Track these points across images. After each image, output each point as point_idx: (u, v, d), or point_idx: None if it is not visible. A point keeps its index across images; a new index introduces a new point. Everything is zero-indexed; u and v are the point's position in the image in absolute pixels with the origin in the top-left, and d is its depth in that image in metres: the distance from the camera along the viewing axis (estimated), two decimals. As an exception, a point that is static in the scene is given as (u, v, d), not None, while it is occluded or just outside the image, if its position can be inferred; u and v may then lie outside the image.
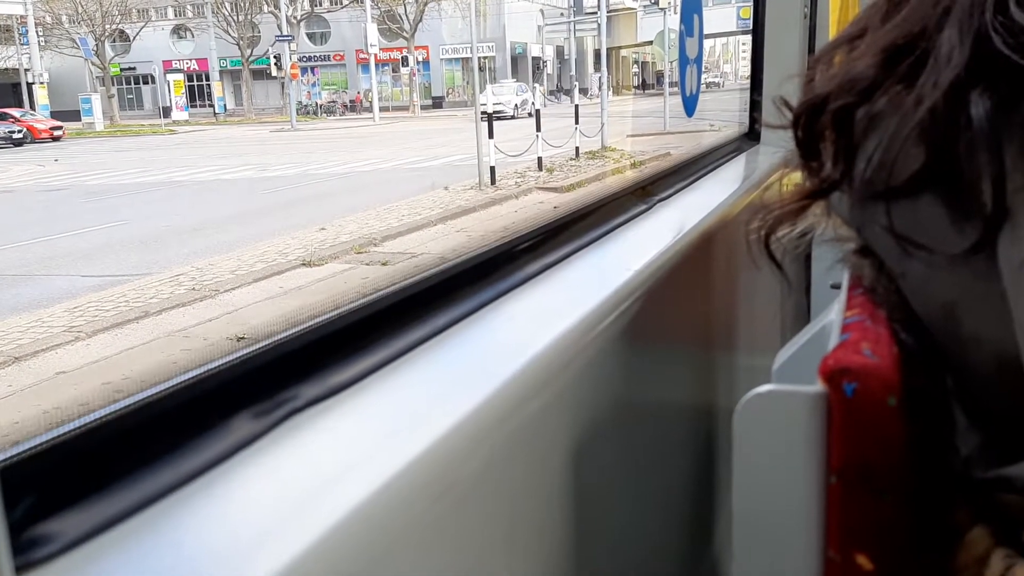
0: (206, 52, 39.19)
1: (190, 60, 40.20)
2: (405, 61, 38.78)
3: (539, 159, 14.72)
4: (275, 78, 36.50)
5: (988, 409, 0.64)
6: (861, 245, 0.68)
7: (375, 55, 35.11)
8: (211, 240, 9.79)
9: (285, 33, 33.74)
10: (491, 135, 13.15)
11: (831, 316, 0.77)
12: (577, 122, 16.29)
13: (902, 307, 0.66)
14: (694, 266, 1.20)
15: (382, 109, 37.68)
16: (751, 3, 2.16)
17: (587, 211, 1.20)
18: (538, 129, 14.66)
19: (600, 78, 19.95)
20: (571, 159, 15.95)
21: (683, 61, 1.99)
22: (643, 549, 0.96)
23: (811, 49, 2.22)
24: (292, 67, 31.51)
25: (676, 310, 1.16)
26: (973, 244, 0.55)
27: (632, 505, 0.93)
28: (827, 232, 0.71)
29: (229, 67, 40.34)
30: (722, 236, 1.32)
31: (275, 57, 34.49)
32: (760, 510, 0.65)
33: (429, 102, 42.91)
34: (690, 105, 2.03)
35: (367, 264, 8.27)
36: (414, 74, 39.03)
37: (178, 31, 40.66)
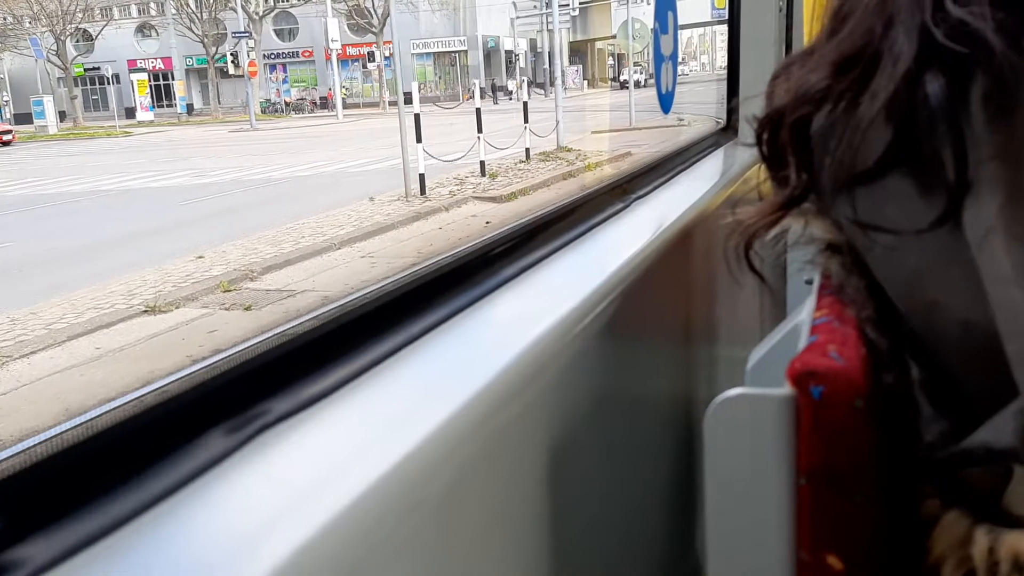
0: (172, 50, 38.47)
1: (155, 59, 39.42)
2: (371, 56, 38.12)
3: (481, 163, 13.43)
4: (234, 76, 35.77)
5: (952, 392, 0.66)
6: (829, 243, 0.70)
7: (337, 51, 34.38)
8: (70, 273, 8.27)
9: (243, 29, 33.40)
10: (419, 138, 11.90)
11: (803, 315, 0.77)
12: (527, 120, 15.07)
13: (870, 304, 0.67)
14: (672, 263, 1.21)
15: (354, 105, 37.04)
16: (727, -4, 2.16)
17: (564, 211, 1.20)
18: (479, 130, 13.35)
19: (557, 70, 18.95)
20: (520, 162, 14.59)
21: (658, 58, 1.99)
22: (623, 552, 0.96)
23: (787, 42, 2.23)
24: (250, 64, 30.79)
25: (655, 308, 1.17)
26: (939, 216, 0.59)
27: (611, 507, 0.94)
28: (801, 230, 0.72)
29: (196, 65, 39.50)
30: (700, 232, 1.33)
31: (232, 54, 33.64)
32: (732, 512, 0.65)
33: (401, 98, 42.62)
34: (666, 102, 2.03)
35: (228, 308, 6.88)
36: (381, 70, 38.37)
37: (142, 29, 39.79)
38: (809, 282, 0.86)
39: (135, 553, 0.43)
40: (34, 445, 0.46)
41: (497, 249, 0.97)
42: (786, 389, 0.60)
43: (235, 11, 34.74)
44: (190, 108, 40.49)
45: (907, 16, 0.60)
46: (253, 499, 0.50)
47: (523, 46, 43.01)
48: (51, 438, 0.47)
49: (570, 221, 1.17)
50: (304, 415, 0.57)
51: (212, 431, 0.53)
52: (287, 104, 39.85)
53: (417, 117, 12.52)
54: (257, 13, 37.22)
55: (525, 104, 15.86)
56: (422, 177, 11.88)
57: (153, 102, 37.98)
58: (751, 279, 0.80)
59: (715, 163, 1.93)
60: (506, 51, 42.18)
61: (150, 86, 37.51)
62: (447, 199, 11.67)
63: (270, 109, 37.89)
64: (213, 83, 38.18)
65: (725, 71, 2.22)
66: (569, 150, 15.90)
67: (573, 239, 1.11)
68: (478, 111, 13.77)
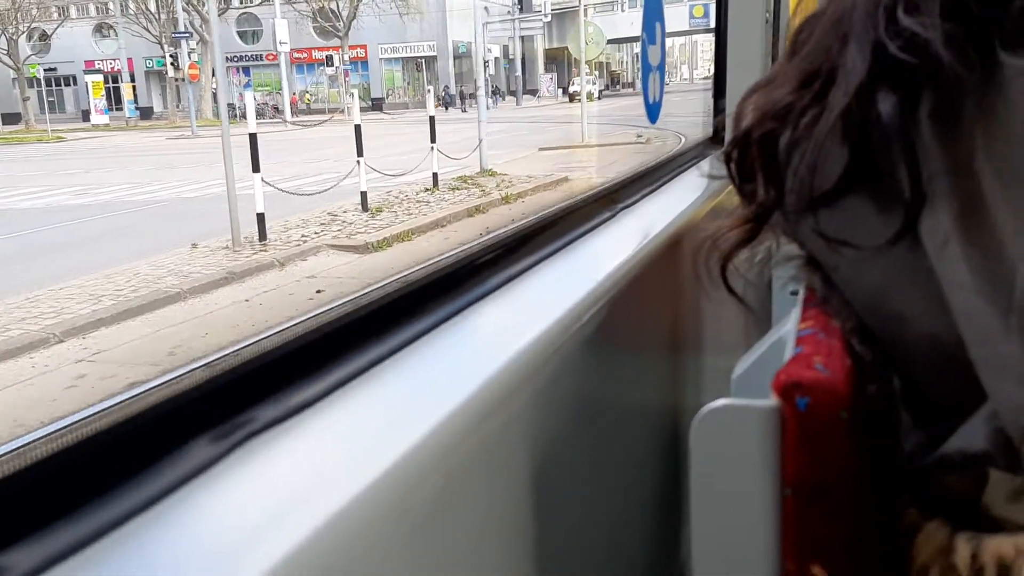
0: (131, 51, 37.19)
1: (114, 60, 38.04)
2: (330, 60, 37.27)
3: (363, 195, 10.89)
4: (174, 79, 34.39)
5: (928, 403, 0.67)
6: (809, 258, 0.71)
7: (287, 53, 33.10)
8: None
9: (183, 29, 31.11)
10: (256, 166, 9.39)
11: (788, 326, 0.78)
12: (433, 140, 12.43)
13: (854, 316, 0.68)
14: (659, 272, 1.21)
15: (319, 111, 35.82)
16: (710, 4, 2.18)
17: (551, 220, 1.20)
18: (359, 154, 10.93)
19: (478, 81, 16.18)
20: (425, 190, 12.33)
21: (645, 68, 2.00)
22: (609, 561, 0.96)
23: (774, 53, 2.24)
24: (190, 67, 28.88)
25: (641, 318, 1.17)
26: (897, 231, 0.60)
27: (597, 516, 0.94)
28: (783, 247, 0.73)
29: (156, 67, 38.19)
30: (687, 241, 1.33)
31: (171, 56, 31.99)
32: (718, 523, 0.65)
33: (368, 104, 40.48)
34: (653, 112, 2.05)
35: None
36: (347, 75, 37.57)
37: (100, 29, 38.38)
38: (794, 293, 0.86)
39: (118, 562, 0.43)
40: (17, 452, 0.46)
41: (483, 258, 0.97)
42: (771, 400, 0.61)
43: (188, 12, 33.26)
44: (148, 112, 39.04)
45: (861, 32, 0.62)
46: (239, 507, 0.49)
47: (495, 52, 42.18)
48: (34, 445, 0.47)
49: (557, 230, 1.18)
50: (290, 423, 0.57)
51: (197, 439, 0.52)
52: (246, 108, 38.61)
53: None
54: (209, 13, 36.06)
55: (431, 119, 12.74)
56: (260, 218, 9.22)
57: (111, 105, 36.68)
58: (739, 290, 0.81)
59: (701, 173, 1.93)
60: (495, 58, 41.63)
61: (108, 88, 36.23)
62: (291, 248, 9.00)
63: (229, 114, 36.77)
64: (171, 86, 37.05)
65: (704, 81, 2.23)
66: (493, 174, 13.77)
67: (560, 248, 1.11)
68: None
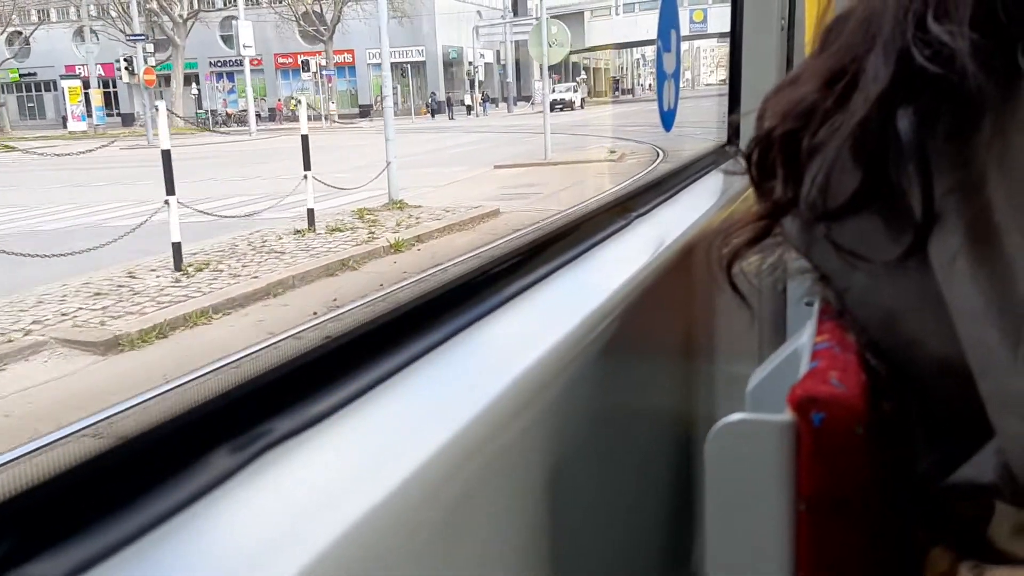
0: (113, 55, 35.18)
1: (96, 64, 36.68)
2: (306, 66, 36.20)
3: (174, 248, 7.73)
4: (130, 84, 32.74)
5: (942, 424, 0.66)
6: (822, 274, 0.71)
7: (251, 56, 31.39)
8: None
9: (139, 32, 29.41)
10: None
11: (803, 339, 0.78)
12: (308, 168, 9.72)
13: (867, 333, 0.68)
14: (673, 281, 1.21)
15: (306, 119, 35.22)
16: (708, 9, 2.18)
17: (566, 229, 1.21)
18: (169, 190, 7.80)
19: (387, 86, 13.16)
20: (296, 232, 9.42)
21: (660, 76, 2.00)
22: (623, 570, 0.96)
23: (789, 59, 2.24)
24: (146, 72, 27.47)
25: (656, 327, 1.17)
26: (906, 249, 0.60)
27: (611, 527, 0.94)
28: (794, 261, 0.73)
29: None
30: (701, 250, 1.33)
31: (126, 60, 29.30)
32: (732, 537, 0.65)
33: (355, 111, 39.37)
34: (668, 119, 2.05)
35: None
36: (330, 80, 36.53)
37: (81, 33, 37.04)
38: (809, 304, 0.86)
39: (138, 573, 0.44)
40: (35, 463, 0.47)
41: (498, 268, 0.98)
42: (787, 415, 0.61)
43: (158, 15, 32.27)
44: (129, 118, 37.70)
45: (888, 38, 0.61)
46: (258, 518, 0.50)
47: (487, 57, 41.01)
48: (54, 457, 0.48)
49: (572, 239, 1.18)
50: (307, 435, 0.58)
51: (216, 450, 0.53)
52: (229, 116, 36.95)
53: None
54: (181, 16, 34.21)
55: (304, 138, 9.91)
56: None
57: (92, 111, 35.35)
58: (752, 298, 0.81)
59: (716, 180, 1.93)
60: (469, 62, 40.53)
61: (88, 93, 34.94)
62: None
63: (210, 122, 35.18)
64: (151, 92, 35.08)
65: (707, 88, 2.23)
66: (402, 207, 11.21)
67: (574, 257, 1.11)
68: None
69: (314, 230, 9.59)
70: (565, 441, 0.80)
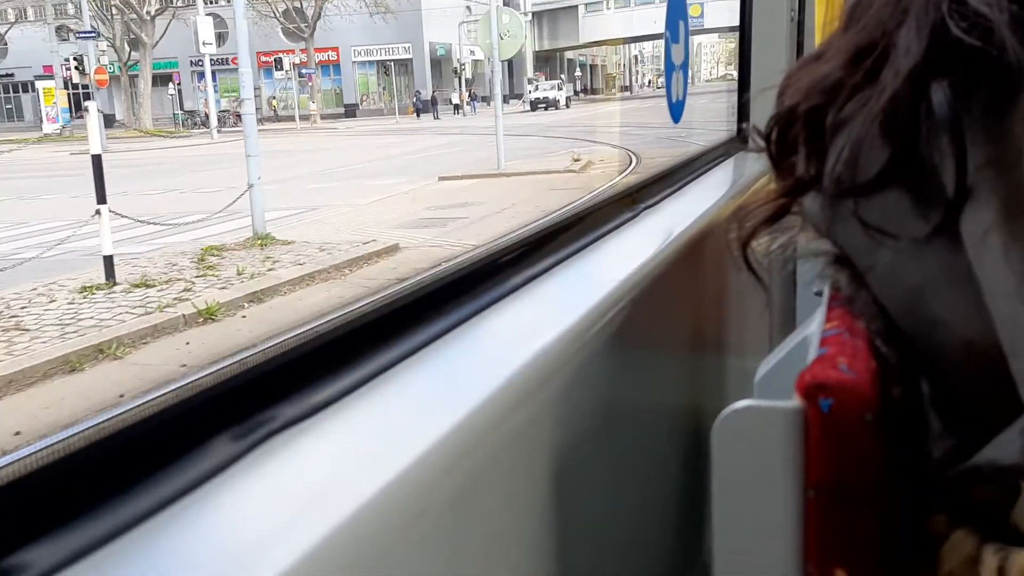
0: (95, 54, 33.10)
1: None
2: (279, 64, 34.88)
3: None
4: (81, 85, 29.54)
5: (960, 409, 0.65)
6: (836, 256, 0.69)
7: (212, 55, 28.84)
8: None
9: (88, 29, 27.27)
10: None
11: (812, 326, 0.77)
12: (102, 199, 7.13)
13: (880, 317, 0.67)
14: (681, 273, 1.20)
15: (288, 119, 33.95)
16: (706, 3, 2.17)
17: (573, 220, 1.20)
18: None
19: (244, 95, 10.36)
20: (81, 290, 6.89)
21: (668, 67, 2.00)
22: (629, 562, 0.96)
23: (799, 52, 2.23)
24: (98, 71, 25.13)
25: (663, 318, 1.16)
26: (937, 224, 0.58)
27: (618, 516, 0.93)
28: (806, 244, 0.72)
29: (117, 72, 34.57)
30: (709, 242, 1.32)
31: (75, 59, 27.14)
32: (740, 525, 0.65)
33: (341, 110, 38.02)
34: (676, 111, 2.04)
35: None
36: (310, 79, 35.11)
37: (60, 32, 35.32)
38: (819, 293, 0.85)
39: (139, 559, 0.43)
40: (39, 449, 0.46)
41: (505, 258, 0.97)
42: (795, 401, 0.60)
43: (125, 11, 30.37)
44: (110, 119, 35.58)
45: (921, 11, 0.59)
46: (259, 505, 0.49)
47: (478, 54, 38.26)
48: (56, 442, 0.47)
49: (579, 230, 1.17)
50: (310, 422, 0.57)
51: (218, 437, 0.53)
52: (207, 116, 34.51)
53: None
54: (149, 13, 31.86)
55: (96, 160, 7.27)
56: None
57: (72, 112, 32.96)
58: (759, 290, 0.80)
59: (725, 173, 1.92)
60: (458, 59, 38.73)
61: (67, 94, 32.81)
62: None
63: (191, 122, 33.62)
64: (126, 92, 34.22)
65: (707, 84, 2.21)
66: (265, 243, 8.56)
67: (582, 248, 1.11)
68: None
69: (112, 284, 7.06)
70: (571, 431, 0.79)
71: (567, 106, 36.76)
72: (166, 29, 30.22)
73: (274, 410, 0.57)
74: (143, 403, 0.51)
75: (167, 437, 0.51)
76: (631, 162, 14.01)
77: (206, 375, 0.55)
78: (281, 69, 35.00)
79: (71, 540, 0.43)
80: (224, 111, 35.27)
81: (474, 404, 0.62)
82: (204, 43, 25.33)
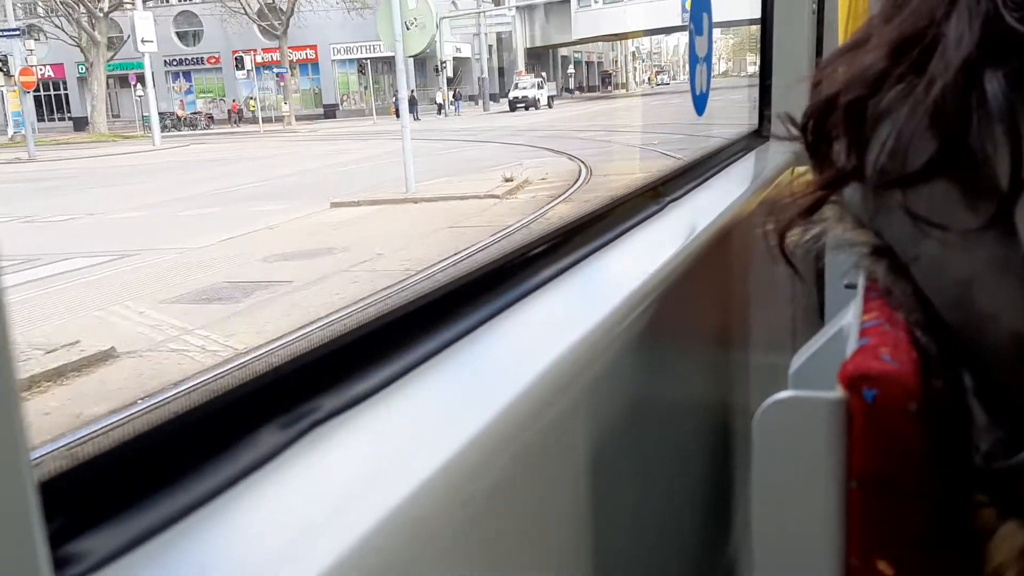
0: (64, 55, 32.85)
1: (44, 66, 33.28)
2: (240, 63, 33.06)
3: None
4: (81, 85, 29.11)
5: (1008, 401, 0.64)
6: (875, 246, 0.69)
7: (152, 53, 26.23)
8: None
9: (11, 27, 25.78)
10: None
11: (847, 319, 0.77)
12: None
13: (919, 308, 0.66)
14: (708, 266, 1.20)
15: (267, 120, 32.50)
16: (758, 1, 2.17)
17: (599, 214, 1.20)
18: None
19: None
20: None
21: (692, 60, 1.99)
22: (658, 555, 0.96)
23: (819, 46, 2.22)
24: (23, 72, 23.32)
25: (691, 312, 1.16)
26: (990, 217, 0.57)
27: (647, 510, 0.93)
28: (841, 235, 0.71)
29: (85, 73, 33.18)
30: (735, 235, 1.32)
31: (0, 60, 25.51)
32: (780, 517, 0.65)
33: (320, 111, 36.21)
34: (700, 103, 2.04)
35: None
36: (282, 79, 33.40)
37: (29, 31, 32.87)
38: (850, 286, 0.85)
39: (190, 549, 0.44)
40: (89, 438, 0.47)
41: (536, 250, 0.97)
42: (837, 392, 0.60)
43: (83, 6, 28.78)
44: (82, 122, 34.27)
45: (972, 1, 0.58)
46: (305, 495, 0.50)
47: (465, 51, 37.23)
48: (107, 434, 0.48)
49: (606, 223, 1.17)
50: (352, 412, 0.58)
51: (266, 427, 0.53)
52: (180, 119, 33.92)
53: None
54: (102, 10, 30.25)
55: None
56: None
57: (46, 114, 32.71)
58: (784, 283, 0.79)
59: (747, 166, 1.92)
60: (452, 57, 36.36)
61: (42, 96, 32.39)
62: None
63: (166, 124, 32.02)
64: (92, 92, 31.96)
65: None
66: None
67: (609, 241, 1.10)
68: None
69: None
70: (604, 422, 0.79)
71: (549, 106, 34.43)
72: (132, 28, 27.54)
73: (319, 400, 0.57)
74: (192, 389, 0.51)
75: (216, 427, 0.52)
76: (577, 180, 11.78)
77: (255, 359, 0.56)
78: (242, 69, 33.38)
79: (124, 530, 0.43)
80: (196, 113, 33.99)
81: (512, 395, 0.62)
82: (143, 40, 23.47)
